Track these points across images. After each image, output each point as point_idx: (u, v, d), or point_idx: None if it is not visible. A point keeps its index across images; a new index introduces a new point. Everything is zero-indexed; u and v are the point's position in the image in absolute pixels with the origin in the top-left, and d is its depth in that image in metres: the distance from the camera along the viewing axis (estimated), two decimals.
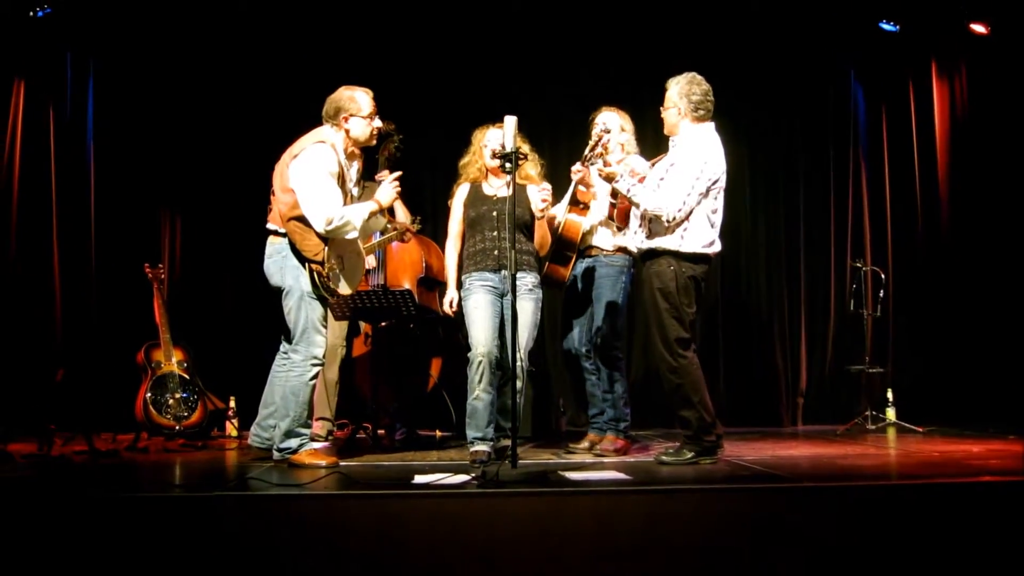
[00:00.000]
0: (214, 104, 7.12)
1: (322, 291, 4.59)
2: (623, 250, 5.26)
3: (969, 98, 7.04)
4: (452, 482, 3.84)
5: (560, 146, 7.35)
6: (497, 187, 5.13)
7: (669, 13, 7.18)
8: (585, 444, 5.35)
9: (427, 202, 6.98)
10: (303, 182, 4.51)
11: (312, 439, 5.95)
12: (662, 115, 4.80)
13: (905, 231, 7.39)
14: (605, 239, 5.32)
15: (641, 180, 4.78)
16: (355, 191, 4.98)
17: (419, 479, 3.96)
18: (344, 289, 4.74)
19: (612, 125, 5.32)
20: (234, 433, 6.41)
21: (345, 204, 4.59)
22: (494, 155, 4.86)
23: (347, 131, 4.67)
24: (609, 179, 4.76)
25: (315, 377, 4.72)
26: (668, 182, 4.59)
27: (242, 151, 6.90)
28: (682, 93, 4.68)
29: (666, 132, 4.82)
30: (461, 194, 5.23)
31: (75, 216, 6.83)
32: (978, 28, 6.73)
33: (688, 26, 7.24)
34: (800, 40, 7.34)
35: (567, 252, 5.28)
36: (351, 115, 4.64)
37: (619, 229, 5.11)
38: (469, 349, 4.93)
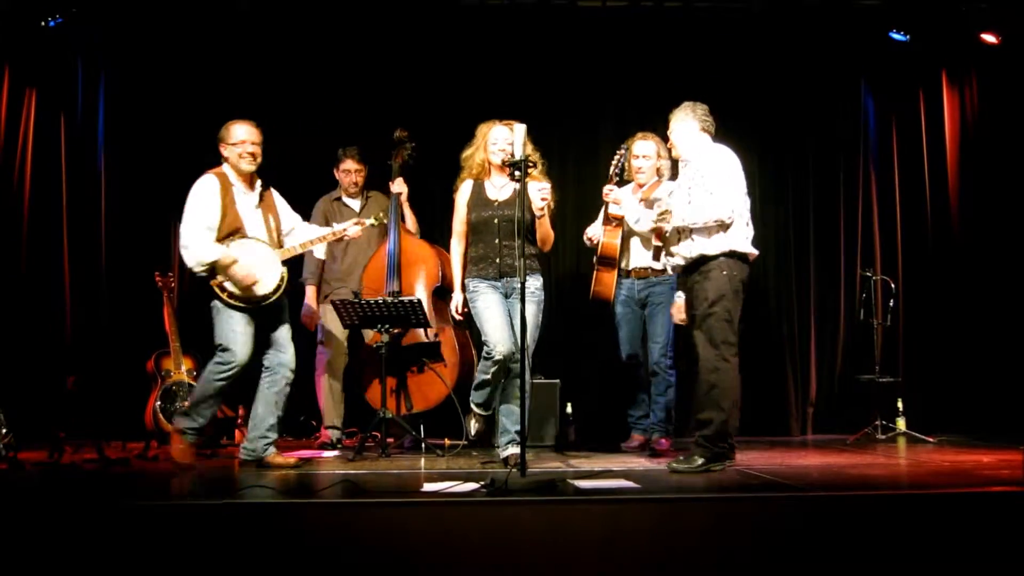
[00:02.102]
0: (225, 112, 7.09)
1: (230, 300, 4.99)
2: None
3: (979, 108, 7.03)
4: (461, 490, 3.84)
5: (568, 164, 7.46)
6: (500, 187, 5.20)
7: (678, 23, 7.17)
8: (634, 444, 5.99)
9: (437, 210, 6.98)
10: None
11: (322, 447, 6.03)
12: (671, 140, 5.06)
13: (915, 240, 7.36)
14: (655, 260, 5.80)
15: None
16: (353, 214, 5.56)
17: (428, 487, 3.97)
18: (260, 289, 5.05)
19: (650, 152, 5.88)
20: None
21: (233, 223, 5.08)
22: (504, 163, 4.88)
23: (226, 159, 5.20)
24: (662, 222, 4.96)
25: (223, 380, 5.05)
26: (710, 189, 4.75)
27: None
28: (687, 115, 4.96)
29: (676, 155, 5.11)
30: (465, 192, 5.29)
31: (86, 224, 6.87)
32: (988, 38, 6.72)
33: (697, 37, 7.24)
34: (811, 50, 7.32)
35: (608, 265, 5.89)
36: (223, 143, 5.19)
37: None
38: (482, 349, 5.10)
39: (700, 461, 4.60)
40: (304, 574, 3.32)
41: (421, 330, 5.93)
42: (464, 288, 5.26)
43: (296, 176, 6.88)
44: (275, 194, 5.45)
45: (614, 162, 5.96)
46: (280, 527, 3.43)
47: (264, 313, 5.13)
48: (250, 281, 5.00)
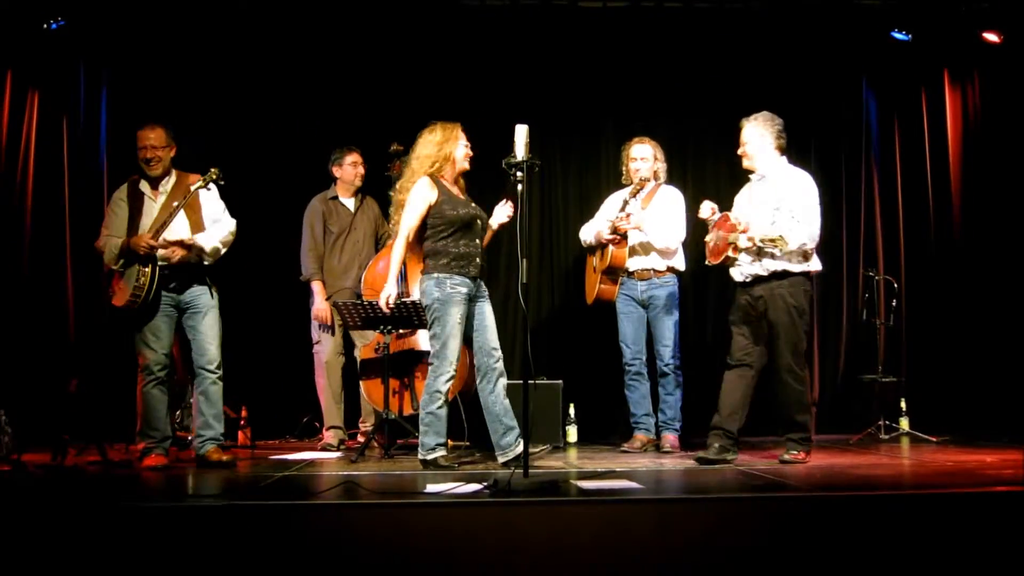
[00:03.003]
0: (227, 115, 7.14)
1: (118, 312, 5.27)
2: (671, 270, 6.04)
3: (982, 107, 7.01)
4: (464, 491, 3.84)
5: (570, 164, 7.52)
6: (455, 189, 5.14)
7: (678, 23, 7.16)
8: (636, 444, 5.97)
9: None
10: None
11: (324, 448, 6.04)
12: (745, 150, 5.31)
13: (918, 240, 7.35)
14: (657, 262, 6.01)
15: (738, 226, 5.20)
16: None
17: (431, 488, 3.97)
18: (116, 302, 5.24)
19: (647, 155, 6.09)
20: (247, 443, 6.45)
21: (130, 228, 5.27)
22: (507, 165, 4.73)
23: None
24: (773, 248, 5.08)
25: (146, 386, 5.28)
26: (797, 216, 5.06)
27: (256, 160, 6.94)
28: (765, 128, 5.25)
29: (749, 166, 5.36)
30: (428, 188, 5.02)
31: (88, 227, 6.85)
32: (990, 37, 6.70)
33: (698, 37, 7.22)
34: (812, 50, 7.31)
35: (615, 275, 6.06)
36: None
37: (710, 263, 5.50)
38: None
39: (804, 454, 5.09)
40: (307, 575, 3.32)
41: (422, 338, 5.97)
42: (430, 284, 4.97)
43: (295, 177, 6.92)
44: (202, 192, 5.41)
45: (624, 202, 6.02)
46: (284, 528, 3.42)
47: (162, 316, 5.29)
48: (117, 300, 5.23)
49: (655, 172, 6.11)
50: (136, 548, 3.33)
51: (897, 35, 7.09)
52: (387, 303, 5.11)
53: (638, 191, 5.99)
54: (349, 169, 6.40)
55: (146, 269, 5.16)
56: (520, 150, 4.45)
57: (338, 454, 5.92)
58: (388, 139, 6.39)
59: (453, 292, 4.93)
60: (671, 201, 6.13)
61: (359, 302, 5.66)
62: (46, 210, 6.68)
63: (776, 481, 4.28)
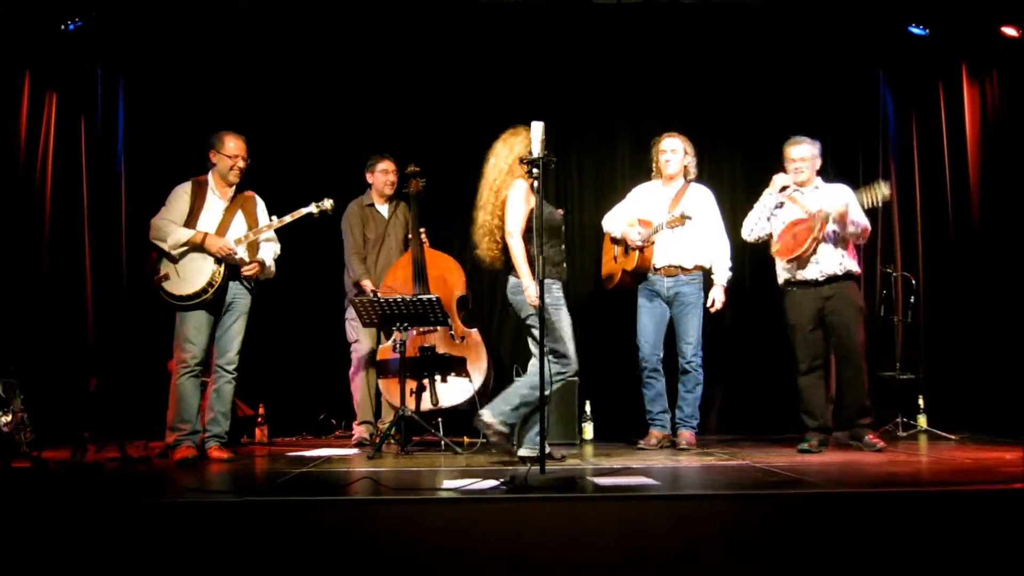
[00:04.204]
0: (243, 116, 7.14)
1: (168, 298, 5.42)
2: (699, 267, 6.04)
3: (1001, 103, 6.96)
4: (481, 487, 3.84)
5: (584, 161, 7.57)
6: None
7: (693, 18, 7.14)
8: (652, 441, 5.94)
9: (454, 233, 6.92)
10: None
11: (360, 443, 6.07)
12: (807, 165, 5.72)
13: (936, 236, 7.30)
14: (685, 258, 5.99)
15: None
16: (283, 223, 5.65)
17: (448, 484, 3.98)
18: (178, 290, 5.39)
19: (677, 147, 6.07)
20: (264, 440, 6.48)
21: (199, 226, 5.46)
22: (523, 161, 4.64)
23: (214, 164, 5.57)
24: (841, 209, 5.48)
25: (180, 378, 5.36)
26: (855, 215, 5.53)
27: (270, 161, 6.94)
28: (816, 149, 5.78)
29: (803, 180, 5.73)
30: (529, 194, 4.90)
31: (106, 227, 6.91)
32: (1009, 32, 6.65)
33: (713, 33, 7.21)
34: (829, 44, 7.27)
35: (638, 280, 6.09)
36: (216, 151, 5.56)
37: (788, 257, 5.69)
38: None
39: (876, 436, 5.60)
40: (324, 570, 3.33)
41: (441, 336, 5.99)
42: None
43: (304, 179, 6.94)
44: (259, 199, 5.72)
45: (657, 228, 5.90)
46: (301, 524, 3.44)
47: (207, 312, 5.42)
48: (179, 289, 5.39)
49: (685, 167, 6.08)
50: (154, 543, 3.35)
51: (914, 29, 7.05)
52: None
53: (676, 225, 5.74)
54: (380, 176, 6.44)
55: (221, 268, 5.40)
56: (536, 147, 4.45)
57: (356, 450, 5.94)
58: (394, 138, 6.41)
59: (560, 300, 4.94)
60: (706, 206, 6.08)
61: (375, 299, 5.67)
62: (65, 210, 6.71)
63: (793, 478, 4.27)
